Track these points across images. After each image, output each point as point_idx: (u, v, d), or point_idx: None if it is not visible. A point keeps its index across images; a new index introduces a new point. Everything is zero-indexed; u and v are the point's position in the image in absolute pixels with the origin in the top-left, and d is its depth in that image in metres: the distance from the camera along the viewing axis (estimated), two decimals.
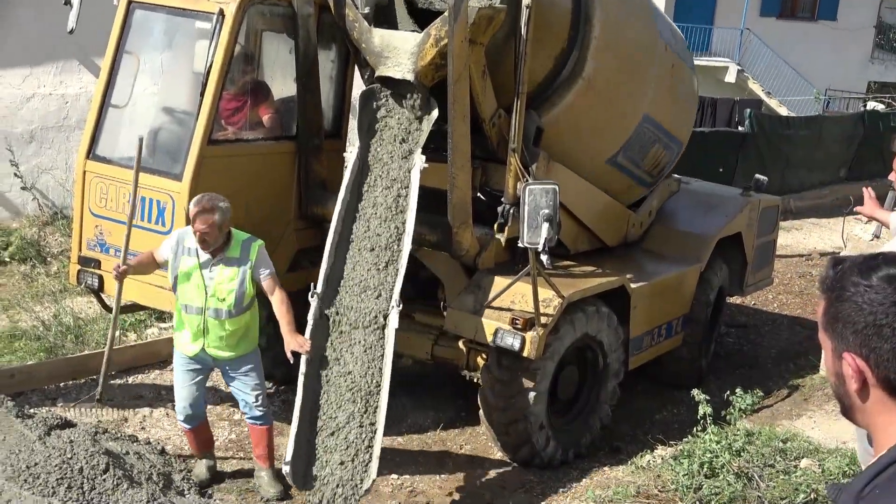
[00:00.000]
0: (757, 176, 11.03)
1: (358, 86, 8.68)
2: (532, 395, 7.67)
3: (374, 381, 6.95)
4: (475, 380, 8.13)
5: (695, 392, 7.95)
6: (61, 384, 8.65)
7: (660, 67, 8.85)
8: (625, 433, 8.90)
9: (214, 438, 7.83)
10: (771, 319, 13.13)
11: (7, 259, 12.14)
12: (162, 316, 10.74)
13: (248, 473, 7.65)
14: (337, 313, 7.22)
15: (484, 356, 7.98)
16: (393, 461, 8.05)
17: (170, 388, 8.92)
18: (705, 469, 7.30)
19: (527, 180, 7.29)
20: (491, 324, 7.50)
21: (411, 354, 8.59)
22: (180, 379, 7.21)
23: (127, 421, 8.37)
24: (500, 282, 7.67)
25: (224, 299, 6.85)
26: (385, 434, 8.38)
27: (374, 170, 7.64)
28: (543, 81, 7.91)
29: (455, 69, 7.09)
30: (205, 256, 6.85)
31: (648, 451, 8.19)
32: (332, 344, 7.15)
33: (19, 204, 13.00)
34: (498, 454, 8.32)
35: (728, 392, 8.37)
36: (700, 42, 28.55)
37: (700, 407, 7.76)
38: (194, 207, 6.69)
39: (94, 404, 7.55)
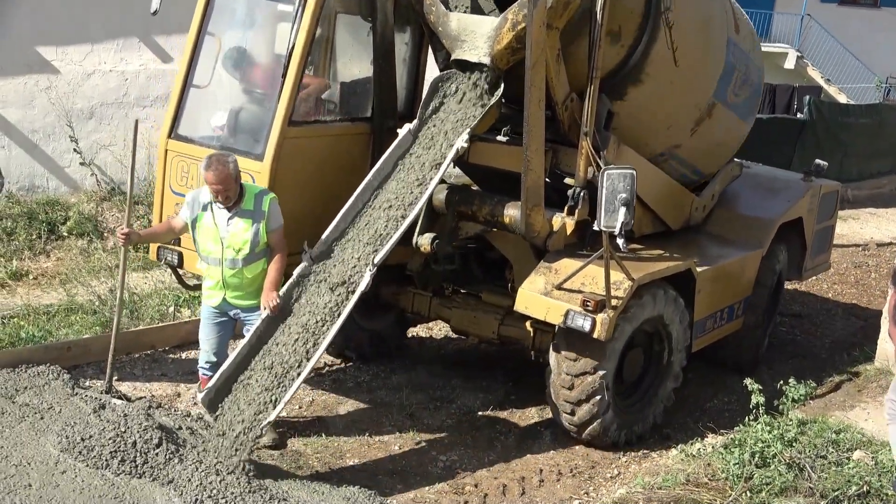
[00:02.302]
0: (817, 161, 10.96)
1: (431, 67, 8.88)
2: (600, 373, 7.74)
3: (318, 337, 7.01)
4: (541, 360, 8.24)
5: (747, 381, 7.89)
6: (116, 357, 8.73)
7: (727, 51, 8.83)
8: (675, 421, 8.84)
9: None
10: (825, 309, 12.99)
11: (65, 233, 12.29)
12: None
13: None
14: (321, 272, 7.32)
15: (551, 336, 8.06)
16: (441, 443, 8.09)
17: None
18: (756, 458, 7.24)
19: (602, 165, 7.38)
20: (562, 305, 7.53)
21: (477, 333, 8.72)
22: (206, 330, 7.55)
23: (180, 396, 8.46)
24: (570, 264, 7.72)
25: (239, 249, 7.19)
26: (433, 416, 8.50)
27: (420, 145, 7.77)
28: (615, 66, 7.96)
29: (533, 54, 7.19)
30: (219, 211, 7.17)
31: (699, 439, 8.15)
32: (303, 299, 7.26)
33: (78, 179, 13.15)
34: (547, 438, 8.34)
35: (781, 382, 8.29)
36: (760, 28, 28.16)
37: (752, 396, 7.69)
38: (207, 169, 7.01)
39: (102, 395, 7.70)
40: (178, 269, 8.52)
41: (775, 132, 18.22)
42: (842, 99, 27.54)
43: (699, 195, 9.50)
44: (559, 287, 7.61)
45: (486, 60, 7.61)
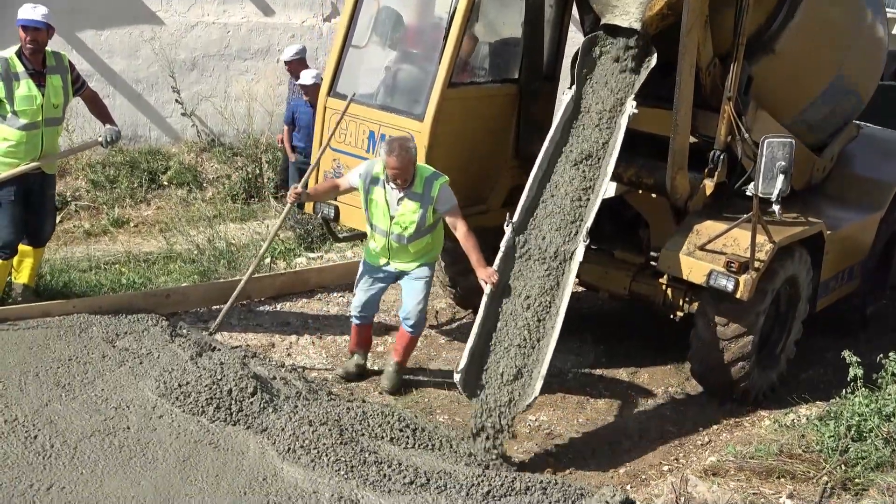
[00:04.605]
0: None
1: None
2: (749, 338, 7.96)
3: (551, 308, 7.25)
4: (671, 316, 8.47)
5: (845, 353, 7.73)
6: (213, 307, 8.89)
7: (862, 18, 8.94)
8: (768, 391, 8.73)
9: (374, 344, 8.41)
10: None
11: (165, 183, 12.51)
12: (311, 246, 10.96)
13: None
14: (526, 242, 7.55)
15: (686, 297, 8.31)
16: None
17: (316, 317, 9.18)
18: (852, 432, 7.11)
19: (743, 129, 7.75)
20: (705, 265, 7.74)
21: (608, 288, 8.89)
22: (363, 282, 7.89)
23: (274, 347, 8.57)
24: (711, 225, 7.93)
25: (406, 227, 7.45)
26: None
27: (586, 113, 7.95)
28: (756, 31, 8.05)
29: (689, 21, 7.41)
30: (391, 189, 7.41)
31: (793, 410, 8.06)
32: (518, 270, 7.49)
33: (179, 129, 13.33)
34: (638, 403, 8.33)
35: (881, 355, 8.11)
36: None
37: (850, 368, 7.54)
38: (390, 154, 7.22)
39: (205, 336, 7.86)
40: (333, 223, 8.77)
41: (885, 100, 17.67)
42: None
43: (820, 156, 9.48)
44: (702, 248, 7.80)
45: (637, 26, 7.76)
